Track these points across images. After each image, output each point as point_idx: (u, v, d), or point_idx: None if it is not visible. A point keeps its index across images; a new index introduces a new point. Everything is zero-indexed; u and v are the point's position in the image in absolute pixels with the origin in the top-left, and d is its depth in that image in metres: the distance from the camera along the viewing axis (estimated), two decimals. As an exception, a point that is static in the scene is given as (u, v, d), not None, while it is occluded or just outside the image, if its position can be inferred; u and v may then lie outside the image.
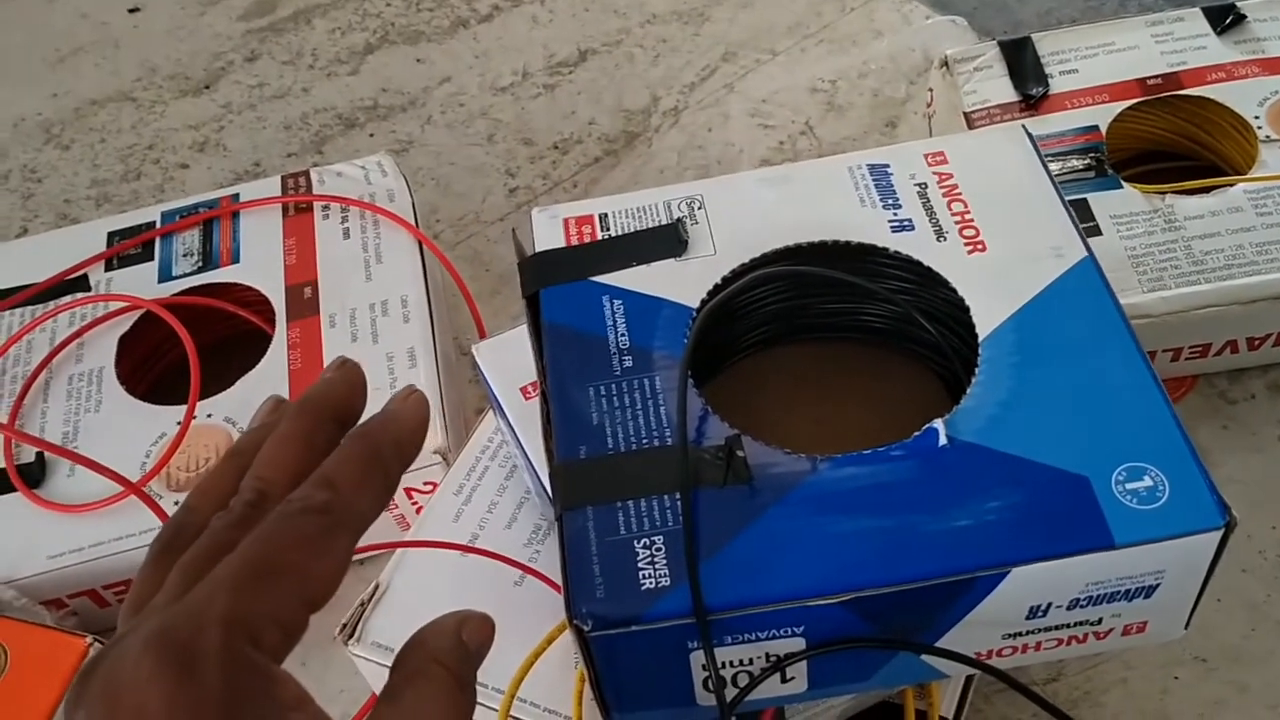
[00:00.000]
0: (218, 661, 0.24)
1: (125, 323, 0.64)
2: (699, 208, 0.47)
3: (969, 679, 0.46)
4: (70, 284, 0.66)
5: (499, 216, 0.75)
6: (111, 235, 0.68)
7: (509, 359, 0.51)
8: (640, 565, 0.37)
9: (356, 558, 0.58)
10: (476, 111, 0.81)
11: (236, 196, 0.69)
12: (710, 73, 0.81)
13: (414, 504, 0.58)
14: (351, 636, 0.51)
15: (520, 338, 0.52)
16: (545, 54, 0.84)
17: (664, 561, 0.37)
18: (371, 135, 0.81)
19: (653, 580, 0.36)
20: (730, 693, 0.38)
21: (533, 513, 0.54)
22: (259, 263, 0.66)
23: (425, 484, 0.58)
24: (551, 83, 0.82)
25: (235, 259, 0.66)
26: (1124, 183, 0.61)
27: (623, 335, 0.43)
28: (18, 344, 0.64)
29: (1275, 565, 0.55)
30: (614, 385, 0.41)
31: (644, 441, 0.39)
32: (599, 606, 0.36)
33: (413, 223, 0.67)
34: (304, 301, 0.64)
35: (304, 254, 0.66)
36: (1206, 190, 0.60)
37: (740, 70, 0.81)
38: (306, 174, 0.70)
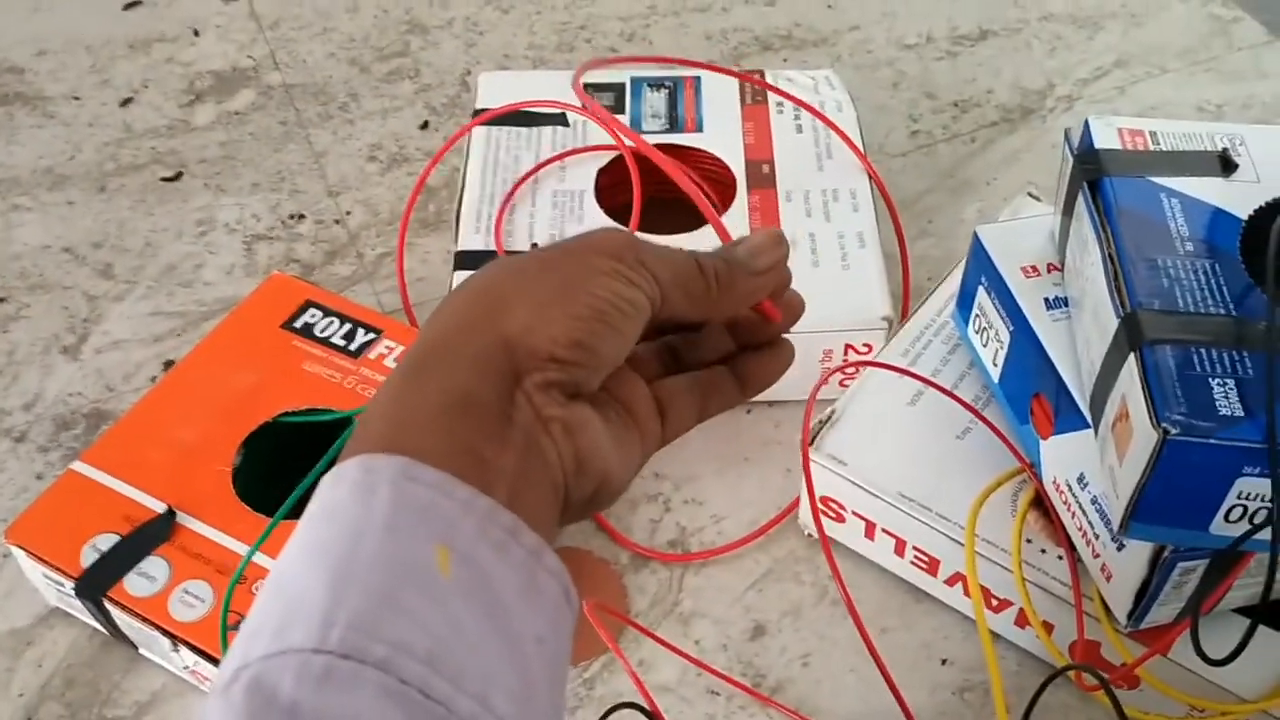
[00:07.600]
0: None
1: (603, 157, 0.73)
2: (1240, 144, 0.54)
3: None
4: (553, 118, 0.75)
5: (901, 152, 0.83)
6: (587, 87, 0.77)
7: (1011, 243, 0.59)
8: (1216, 397, 0.44)
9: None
10: (883, 60, 0.89)
11: (698, 79, 0.78)
12: (1103, 74, 0.88)
13: (850, 358, 0.66)
14: (811, 444, 0.59)
15: (1021, 228, 0.60)
16: (949, 24, 0.92)
17: (1237, 398, 0.44)
18: (785, 60, 0.90)
19: (1229, 409, 0.44)
20: (1243, 527, 0.46)
21: (974, 385, 0.62)
22: (720, 135, 0.75)
23: (864, 345, 0.65)
24: (953, 50, 0.90)
25: (699, 128, 0.75)
26: None
27: (1182, 226, 0.50)
28: (505, 153, 0.73)
29: None
30: (1178, 261, 0.49)
31: (1210, 310, 0.47)
32: (1182, 418, 0.43)
33: (857, 137, 0.75)
34: (762, 175, 0.72)
35: (760, 137, 0.75)
36: None
37: (1131, 78, 0.88)
38: (761, 72, 0.78)
